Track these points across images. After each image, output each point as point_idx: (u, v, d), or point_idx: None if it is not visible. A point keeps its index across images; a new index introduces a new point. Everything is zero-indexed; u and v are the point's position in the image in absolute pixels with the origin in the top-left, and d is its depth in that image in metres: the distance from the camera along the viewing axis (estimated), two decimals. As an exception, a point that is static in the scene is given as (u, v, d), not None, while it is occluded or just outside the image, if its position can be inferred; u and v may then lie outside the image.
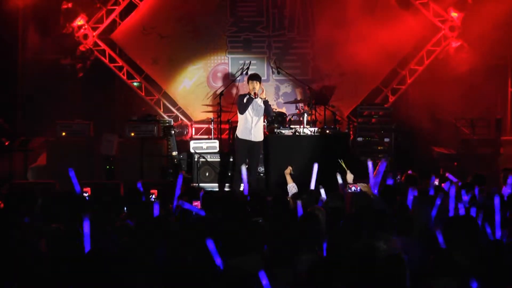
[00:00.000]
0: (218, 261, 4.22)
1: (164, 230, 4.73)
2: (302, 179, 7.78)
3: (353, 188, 6.93)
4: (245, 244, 4.42)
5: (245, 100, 9.36)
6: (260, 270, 3.61)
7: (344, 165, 7.79)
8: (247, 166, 9.24)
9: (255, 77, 9.50)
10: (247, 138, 9.46)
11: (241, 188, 9.21)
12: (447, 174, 7.91)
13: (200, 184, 10.51)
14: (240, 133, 9.53)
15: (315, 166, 7.24)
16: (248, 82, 9.52)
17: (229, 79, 12.83)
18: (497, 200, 5.10)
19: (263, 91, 9.45)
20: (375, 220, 4.83)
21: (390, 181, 6.97)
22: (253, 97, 9.31)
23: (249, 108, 9.37)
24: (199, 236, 4.49)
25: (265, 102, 9.38)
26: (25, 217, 5.35)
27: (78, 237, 4.38)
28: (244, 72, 11.53)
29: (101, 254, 3.90)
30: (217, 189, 10.38)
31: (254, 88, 9.33)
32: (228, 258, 4.30)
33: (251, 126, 9.43)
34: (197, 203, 6.00)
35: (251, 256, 4.33)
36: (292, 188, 7.51)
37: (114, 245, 4.71)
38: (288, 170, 7.94)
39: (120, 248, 4.61)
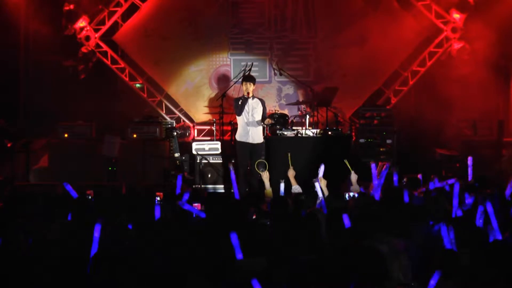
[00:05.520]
0: (239, 255, 4.23)
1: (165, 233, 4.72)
2: (304, 180, 7.77)
3: (351, 194, 6.93)
4: (252, 246, 4.41)
5: (240, 102, 9.47)
6: (253, 279, 3.60)
7: (348, 165, 7.82)
8: (246, 168, 9.33)
9: (249, 79, 9.66)
10: (246, 141, 9.54)
11: (246, 189, 9.24)
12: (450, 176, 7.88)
13: (202, 186, 10.50)
14: (239, 135, 9.63)
15: (322, 167, 7.22)
16: (242, 84, 9.66)
17: (231, 81, 12.82)
18: (489, 207, 5.01)
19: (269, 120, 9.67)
20: (374, 221, 4.82)
21: (395, 182, 6.96)
22: (246, 96, 9.44)
23: (245, 110, 9.46)
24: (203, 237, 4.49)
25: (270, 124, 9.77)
26: (26, 219, 5.34)
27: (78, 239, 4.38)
28: (246, 74, 11.53)
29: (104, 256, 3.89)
30: (221, 191, 10.39)
31: (247, 89, 9.49)
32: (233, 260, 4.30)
33: (248, 128, 9.51)
34: (197, 205, 5.98)
35: (256, 259, 4.32)
36: (296, 190, 7.49)
37: (116, 247, 4.70)
38: (292, 172, 7.94)
39: (122, 250, 4.61)
